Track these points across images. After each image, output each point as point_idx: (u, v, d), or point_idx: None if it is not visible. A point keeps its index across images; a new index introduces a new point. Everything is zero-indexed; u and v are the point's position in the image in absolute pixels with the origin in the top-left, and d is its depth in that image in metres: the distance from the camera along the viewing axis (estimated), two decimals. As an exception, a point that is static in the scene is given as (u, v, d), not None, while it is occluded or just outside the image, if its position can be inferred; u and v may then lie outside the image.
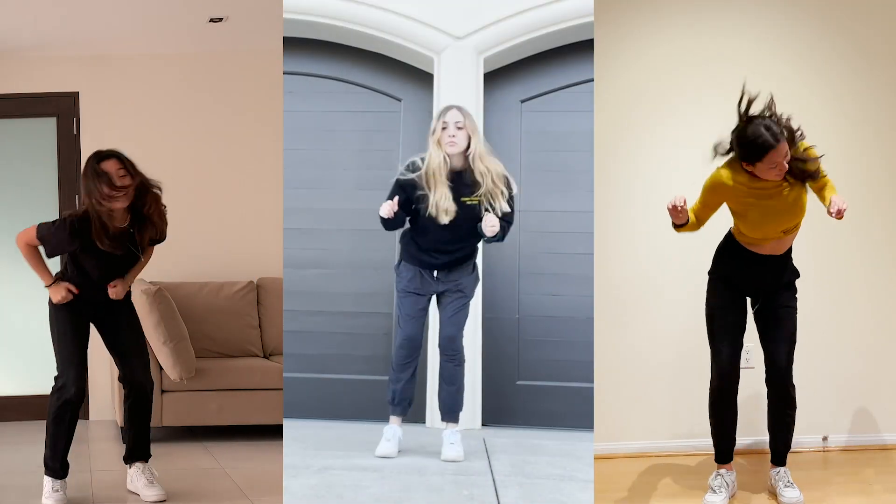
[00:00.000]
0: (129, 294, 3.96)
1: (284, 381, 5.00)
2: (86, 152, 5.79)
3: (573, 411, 4.89)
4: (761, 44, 4.48)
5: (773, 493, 3.68)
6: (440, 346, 4.05)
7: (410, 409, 4.09)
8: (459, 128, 3.80)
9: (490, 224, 3.79)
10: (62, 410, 3.77)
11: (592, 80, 4.65)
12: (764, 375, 3.63)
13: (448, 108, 3.87)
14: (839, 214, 3.33)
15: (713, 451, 3.74)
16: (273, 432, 4.94)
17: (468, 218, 3.86)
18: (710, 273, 3.67)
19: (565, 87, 5.09)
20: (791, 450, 3.72)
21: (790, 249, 3.59)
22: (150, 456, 3.99)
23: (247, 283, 5.75)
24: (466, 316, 4.07)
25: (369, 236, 5.08)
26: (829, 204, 3.37)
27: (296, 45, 5.17)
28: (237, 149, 5.94)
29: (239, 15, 5.27)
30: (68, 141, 5.81)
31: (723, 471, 3.69)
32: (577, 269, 4.95)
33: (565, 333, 4.98)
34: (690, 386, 4.21)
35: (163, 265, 5.79)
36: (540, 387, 5.00)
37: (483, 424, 4.91)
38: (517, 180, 5.02)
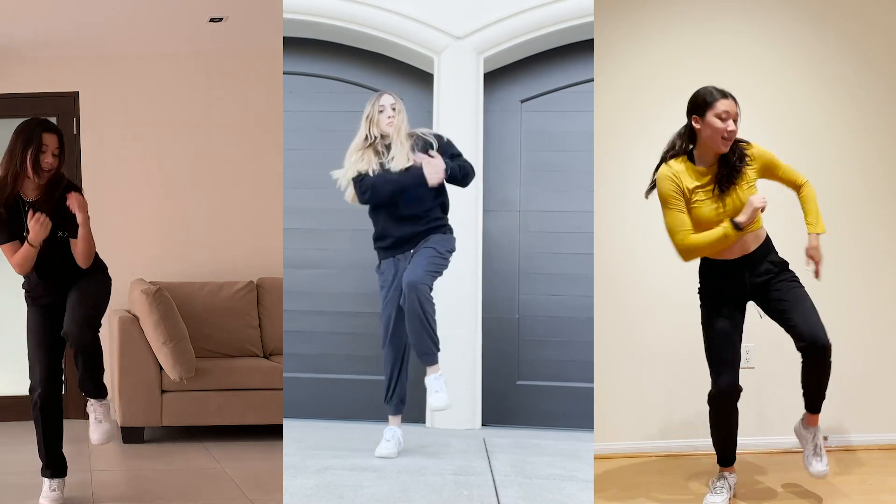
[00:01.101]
0: (101, 272, 3.80)
1: (284, 381, 5.00)
2: (86, 152, 5.83)
3: (573, 411, 4.90)
4: (762, 44, 4.48)
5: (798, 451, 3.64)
6: (406, 285, 3.86)
7: (404, 407, 4.07)
8: (395, 109, 4.02)
9: (431, 170, 3.90)
10: (35, 413, 3.76)
11: (592, 80, 4.65)
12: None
13: (382, 94, 4.07)
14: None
15: (714, 454, 3.74)
16: (273, 432, 4.94)
17: (410, 184, 3.95)
18: (699, 292, 3.63)
19: (565, 87, 5.09)
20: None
21: (767, 247, 3.54)
22: (104, 395, 3.87)
23: (247, 283, 5.75)
24: (435, 268, 3.93)
25: (369, 236, 5.07)
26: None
27: (296, 45, 5.17)
28: (237, 149, 5.94)
29: (239, 15, 5.27)
30: (68, 141, 5.78)
31: (725, 473, 3.68)
32: (577, 269, 4.95)
33: (565, 333, 4.99)
34: (691, 386, 4.21)
35: (163, 265, 5.82)
36: (540, 387, 5.00)
37: (483, 424, 4.91)
38: (517, 180, 5.08)
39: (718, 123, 3.33)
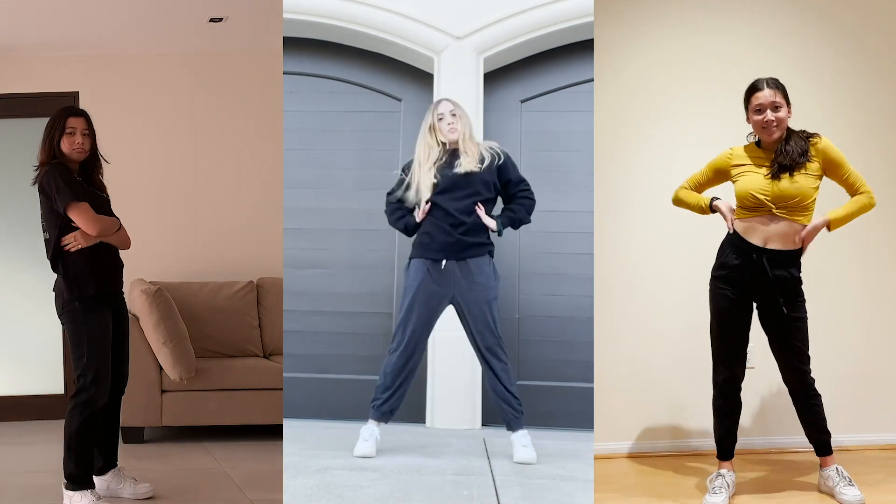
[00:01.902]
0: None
1: (284, 381, 5.00)
2: (86, 152, 5.83)
3: (573, 411, 4.90)
4: (762, 43, 4.48)
5: (829, 494, 3.64)
6: (481, 355, 3.93)
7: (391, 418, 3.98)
8: (454, 115, 4.02)
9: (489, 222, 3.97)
10: (90, 423, 3.54)
11: (592, 80, 4.65)
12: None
13: (440, 101, 4.08)
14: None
15: (713, 451, 3.75)
16: (273, 432, 4.94)
17: (464, 188, 3.95)
18: (712, 271, 3.66)
19: (565, 87, 5.10)
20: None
21: (794, 259, 3.57)
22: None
23: (247, 283, 5.75)
24: (496, 318, 3.94)
25: (369, 236, 5.08)
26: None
27: (296, 45, 5.17)
28: (237, 149, 5.94)
29: (239, 15, 5.27)
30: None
31: (723, 470, 3.69)
32: (577, 269, 4.95)
33: (565, 333, 4.99)
34: (690, 386, 4.22)
35: (163, 265, 5.83)
36: (540, 387, 5.00)
37: (483, 424, 4.91)
38: (517, 180, 5.07)
39: (755, 116, 3.55)
